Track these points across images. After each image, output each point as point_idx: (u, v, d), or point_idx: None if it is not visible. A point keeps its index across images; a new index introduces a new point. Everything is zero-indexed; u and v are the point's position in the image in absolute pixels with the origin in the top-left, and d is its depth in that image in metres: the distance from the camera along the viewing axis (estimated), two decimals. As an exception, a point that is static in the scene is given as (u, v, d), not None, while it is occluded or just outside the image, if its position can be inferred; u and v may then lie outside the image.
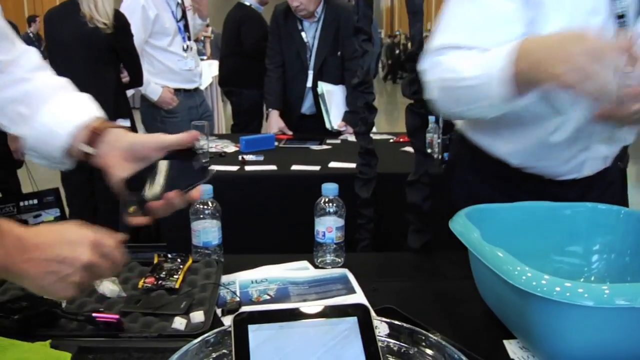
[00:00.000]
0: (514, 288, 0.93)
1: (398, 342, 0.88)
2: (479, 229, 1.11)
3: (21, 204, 2.99)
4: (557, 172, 1.51)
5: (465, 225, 1.14)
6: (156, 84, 3.74)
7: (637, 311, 0.88)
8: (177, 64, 3.80)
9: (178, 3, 3.76)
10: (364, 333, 0.80)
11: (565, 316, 0.91)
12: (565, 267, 1.30)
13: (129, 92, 3.70)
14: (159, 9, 3.65)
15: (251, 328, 0.79)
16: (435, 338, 0.86)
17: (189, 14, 3.90)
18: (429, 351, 0.86)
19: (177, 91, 3.84)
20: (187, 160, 1.06)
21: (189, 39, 3.85)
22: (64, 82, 1.22)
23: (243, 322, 0.80)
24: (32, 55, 1.24)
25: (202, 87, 4.57)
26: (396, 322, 0.89)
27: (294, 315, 0.82)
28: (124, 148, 1.08)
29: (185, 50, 3.79)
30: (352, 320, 0.81)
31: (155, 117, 3.84)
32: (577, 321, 0.91)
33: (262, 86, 3.87)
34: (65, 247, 0.88)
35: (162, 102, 3.77)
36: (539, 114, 1.40)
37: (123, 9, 3.53)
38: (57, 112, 1.15)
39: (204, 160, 1.07)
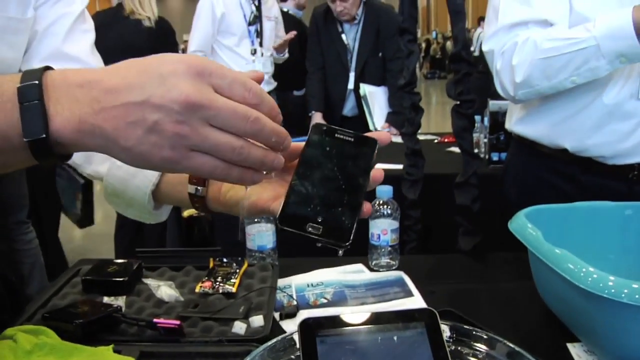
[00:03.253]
0: (579, 290, 0.91)
1: (464, 346, 0.87)
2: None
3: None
4: (618, 150, 1.49)
5: (526, 225, 1.12)
6: None
7: None
8: (243, 68, 3.78)
9: (253, 11, 3.76)
10: (432, 338, 0.79)
11: (635, 318, 0.89)
12: (623, 267, 1.27)
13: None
14: (228, 8, 3.69)
15: (318, 334, 0.79)
16: (503, 340, 0.85)
17: (269, 24, 3.89)
18: (495, 354, 0.85)
19: None
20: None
21: (261, 44, 3.83)
22: None
23: (310, 328, 0.80)
24: None
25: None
26: (462, 326, 0.88)
27: (361, 321, 0.81)
28: None
29: (253, 54, 3.79)
30: (420, 326, 0.80)
31: None
32: (647, 324, 0.89)
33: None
34: (150, 80, 0.58)
35: None
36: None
37: (198, 4, 3.66)
38: None
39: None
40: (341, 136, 0.73)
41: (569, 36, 1.40)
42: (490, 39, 1.55)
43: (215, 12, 3.65)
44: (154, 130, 0.58)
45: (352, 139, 0.73)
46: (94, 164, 0.97)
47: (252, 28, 3.77)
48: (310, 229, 0.66)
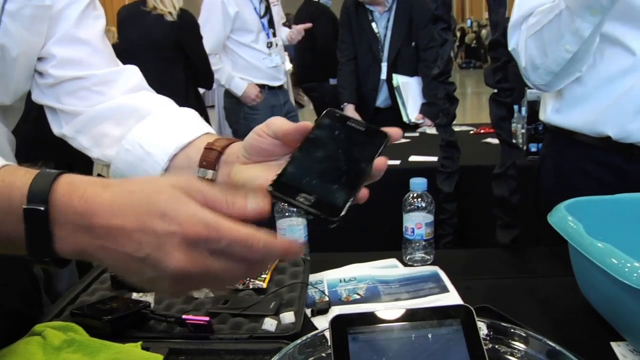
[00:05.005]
0: (624, 286, 0.87)
1: (501, 344, 0.83)
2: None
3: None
4: None
5: (566, 218, 1.08)
6: (241, 79, 3.74)
7: None
8: (262, 62, 3.78)
9: (261, 1, 3.75)
10: (468, 336, 0.76)
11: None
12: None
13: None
14: (240, 5, 3.65)
15: (350, 332, 0.76)
16: (542, 338, 0.81)
17: (275, 9, 3.88)
18: (534, 353, 0.82)
19: (262, 87, 3.81)
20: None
21: (274, 35, 3.82)
22: (165, 100, 1.02)
23: (341, 325, 0.77)
24: (132, 74, 1.04)
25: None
26: (499, 323, 0.85)
27: (394, 318, 0.78)
28: (242, 153, 0.78)
29: (269, 47, 3.78)
30: (456, 323, 0.77)
31: (239, 113, 3.86)
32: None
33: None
34: (146, 239, 0.58)
35: (247, 97, 3.76)
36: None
37: (204, 5, 3.62)
38: (151, 130, 0.93)
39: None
40: (352, 124, 0.72)
41: (545, 7, 1.40)
42: (511, 38, 1.53)
43: (228, 11, 3.61)
44: (151, 281, 0.61)
45: (363, 129, 0.72)
46: (102, 147, 0.97)
47: (265, 20, 3.76)
48: (301, 199, 0.64)
